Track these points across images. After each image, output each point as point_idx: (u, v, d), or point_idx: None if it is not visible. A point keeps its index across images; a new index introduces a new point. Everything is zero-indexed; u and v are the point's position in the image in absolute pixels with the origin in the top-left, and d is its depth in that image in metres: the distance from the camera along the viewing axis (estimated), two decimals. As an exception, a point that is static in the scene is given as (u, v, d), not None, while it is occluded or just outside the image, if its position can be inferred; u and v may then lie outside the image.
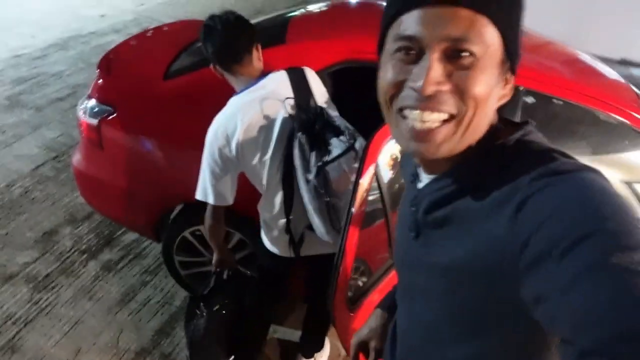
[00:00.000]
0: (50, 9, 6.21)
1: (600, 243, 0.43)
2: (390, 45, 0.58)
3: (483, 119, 0.58)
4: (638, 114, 1.82)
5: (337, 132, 1.37)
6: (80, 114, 2.05)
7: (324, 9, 2.47)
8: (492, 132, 0.61)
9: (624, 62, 6.60)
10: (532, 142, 0.60)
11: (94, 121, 2.01)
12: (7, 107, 3.94)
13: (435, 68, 0.54)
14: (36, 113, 3.87)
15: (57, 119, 3.79)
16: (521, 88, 1.77)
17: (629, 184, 1.91)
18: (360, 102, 1.66)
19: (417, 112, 0.56)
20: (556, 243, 0.46)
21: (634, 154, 1.89)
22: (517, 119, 1.68)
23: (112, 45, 2.40)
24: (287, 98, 1.41)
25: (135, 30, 5.63)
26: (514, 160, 0.57)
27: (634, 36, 6.37)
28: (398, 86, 0.57)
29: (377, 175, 1.22)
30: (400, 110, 0.58)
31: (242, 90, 1.45)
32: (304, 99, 1.46)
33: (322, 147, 1.35)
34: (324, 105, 1.46)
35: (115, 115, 1.98)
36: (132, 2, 6.79)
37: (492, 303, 0.59)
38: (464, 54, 0.54)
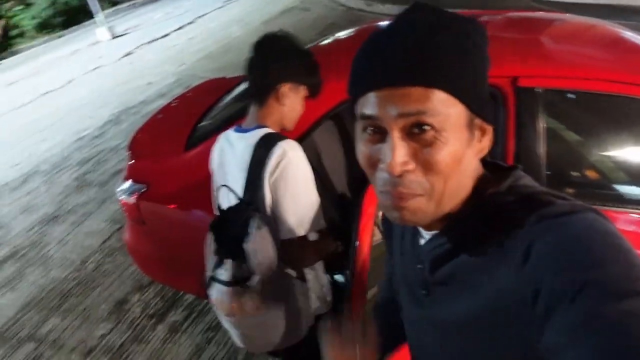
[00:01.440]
0: (104, 89, 6.81)
1: (600, 290, 0.45)
2: (358, 122, 0.61)
3: (458, 185, 0.59)
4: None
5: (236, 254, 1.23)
6: (119, 195, 2.20)
7: (344, 37, 2.47)
8: (482, 183, 0.62)
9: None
10: (524, 186, 0.60)
11: (132, 200, 2.15)
12: (76, 188, 4.33)
13: (399, 148, 0.56)
14: (100, 189, 4.22)
15: (118, 191, 4.10)
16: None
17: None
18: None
19: (390, 187, 0.58)
20: (563, 292, 0.47)
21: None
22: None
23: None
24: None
25: (178, 91, 6.00)
26: (509, 209, 0.57)
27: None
28: (373, 165, 0.60)
29: (378, 226, 1.19)
30: (378, 183, 0.61)
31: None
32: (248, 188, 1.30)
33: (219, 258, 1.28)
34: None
35: (149, 191, 2.11)
36: (172, 64, 7.27)
37: (503, 354, 0.57)
38: (425, 127, 0.55)
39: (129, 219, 2.26)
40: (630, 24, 3.14)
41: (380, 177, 0.59)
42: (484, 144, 0.61)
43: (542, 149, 1.55)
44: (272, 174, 1.24)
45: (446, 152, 0.55)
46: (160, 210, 2.11)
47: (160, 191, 2.09)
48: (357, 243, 1.13)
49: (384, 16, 6.64)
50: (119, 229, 3.61)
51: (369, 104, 0.57)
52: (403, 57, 0.55)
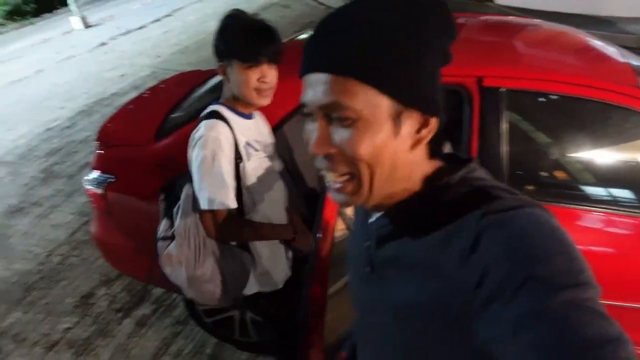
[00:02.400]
0: (76, 79, 6.64)
1: (542, 284, 0.46)
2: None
3: (390, 173, 0.60)
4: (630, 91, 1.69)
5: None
6: (86, 185, 2.16)
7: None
8: (435, 173, 0.63)
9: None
10: (476, 178, 0.61)
11: (100, 190, 2.11)
12: (42, 179, 4.22)
13: (317, 133, 0.58)
14: (68, 181, 4.12)
15: (87, 183, 4.01)
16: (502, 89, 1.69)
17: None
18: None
19: (323, 170, 0.62)
20: (505, 285, 0.47)
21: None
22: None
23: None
24: None
25: (153, 84, 5.91)
26: (458, 199, 0.58)
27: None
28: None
29: (340, 214, 1.21)
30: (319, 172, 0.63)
31: None
32: None
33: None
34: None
35: (117, 181, 2.08)
36: (147, 56, 7.15)
37: (444, 344, 0.58)
38: (341, 116, 0.56)
39: (97, 209, 2.22)
40: (598, 33, 3.26)
41: (314, 157, 0.62)
42: (423, 135, 0.60)
43: (504, 146, 1.61)
44: (191, 147, 1.40)
45: (364, 140, 0.56)
46: (128, 201, 2.08)
47: (128, 182, 2.07)
48: (319, 235, 1.14)
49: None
50: (86, 222, 3.53)
51: (303, 90, 0.60)
52: (328, 43, 0.56)
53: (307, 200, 2.19)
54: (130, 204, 2.09)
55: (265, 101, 1.42)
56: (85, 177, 2.21)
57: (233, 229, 1.46)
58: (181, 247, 1.46)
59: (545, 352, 0.43)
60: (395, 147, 0.59)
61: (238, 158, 1.44)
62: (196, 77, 2.69)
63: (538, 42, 2.13)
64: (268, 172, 1.57)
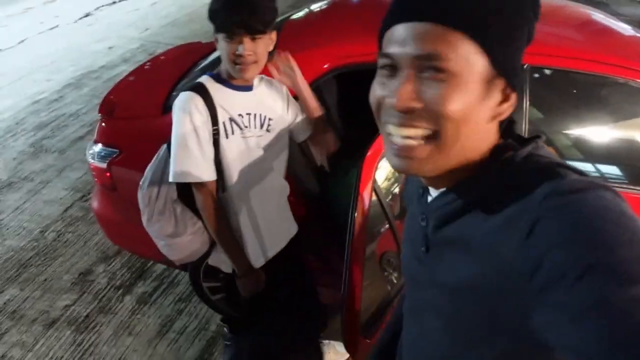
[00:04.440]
0: (61, 51, 6.39)
1: (609, 274, 0.43)
2: (379, 60, 0.60)
3: (470, 138, 0.57)
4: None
5: None
6: (90, 158, 2.09)
7: (317, 10, 2.42)
8: (499, 148, 0.60)
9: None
10: (541, 156, 0.58)
11: (103, 164, 2.04)
12: (32, 154, 4.08)
13: (404, 86, 0.55)
14: (60, 156, 4.00)
15: (79, 158, 3.89)
16: (525, 66, 1.67)
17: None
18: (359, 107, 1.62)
19: (396, 127, 0.58)
20: (567, 270, 0.45)
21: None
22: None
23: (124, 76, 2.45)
24: None
25: (143, 57, 5.72)
26: (522, 177, 0.56)
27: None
28: (381, 102, 0.59)
29: (376, 191, 1.18)
30: (385, 125, 0.60)
31: None
32: None
33: None
34: None
35: (122, 156, 2.00)
36: (136, 29, 6.91)
37: (498, 324, 0.57)
38: (438, 69, 0.54)
39: (99, 184, 2.15)
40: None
41: (386, 115, 0.58)
42: (503, 108, 0.59)
43: (526, 124, 1.59)
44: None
45: (455, 98, 0.54)
46: (133, 175, 2.01)
47: (134, 156, 2.00)
48: (356, 215, 1.12)
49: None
50: (81, 198, 3.45)
51: (390, 40, 0.57)
52: None
53: (318, 177, 2.16)
54: (135, 179, 2.02)
55: (248, 75, 1.38)
56: (88, 150, 2.13)
57: (208, 210, 1.46)
58: (142, 200, 1.64)
59: (609, 345, 0.41)
60: (480, 113, 0.57)
61: (215, 133, 1.40)
62: (199, 49, 2.59)
63: (547, 17, 2.10)
64: (261, 150, 1.50)
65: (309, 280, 1.90)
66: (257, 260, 1.63)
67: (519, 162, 0.58)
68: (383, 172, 1.36)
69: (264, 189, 1.55)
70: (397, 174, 1.46)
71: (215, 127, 1.39)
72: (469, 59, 0.53)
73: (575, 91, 1.85)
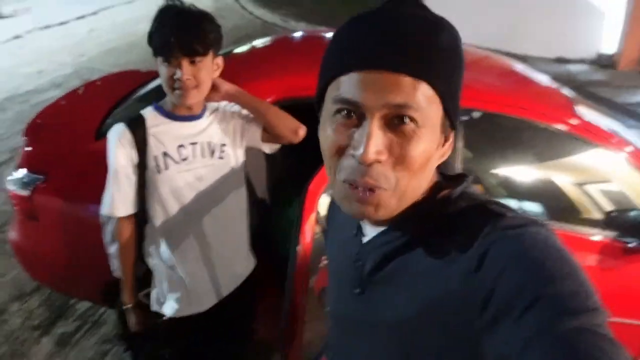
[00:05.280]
0: (-17, 72, 5.98)
1: (555, 306, 0.45)
2: (330, 106, 0.58)
3: (420, 182, 0.59)
4: (571, 118, 1.86)
5: None
6: (10, 186, 1.93)
7: (262, 45, 2.45)
8: (437, 187, 0.62)
9: (560, 60, 6.93)
10: (475, 194, 0.61)
11: (26, 192, 1.89)
12: (-58, 181, 3.70)
13: (375, 136, 0.53)
14: (-26, 183, 3.65)
15: (-3, 186, 3.58)
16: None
17: (580, 185, 1.95)
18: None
19: (360, 178, 0.56)
20: (512, 304, 0.47)
21: (578, 156, 1.93)
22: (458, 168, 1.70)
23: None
24: None
25: (76, 83, 5.45)
26: (462, 214, 0.58)
27: (567, 34, 6.73)
28: (340, 152, 0.57)
29: (320, 223, 1.18)
30: (342, 172, 0.57)
31: None
32: None
33: None
34: None
35: (47, 182, 1.87)
36: (70, 54, 6.64)
37: (444, 356, 0.56)
38: (405, 120, 0.53)
39: (19, 213, 1.98)
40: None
41: (346, 165, 0.56)
42: (446, 149, 0.61)
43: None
44: None
45: (421, 149, 0.55)
46: (60, 205, 1.88)
47: (61, 183, 1.87)
48: (299, 247, 1.10)
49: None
50: (-4, 229, 3.15)
51: (350, 87, 0.54)
52: (399, 41, 0.54)
53: (259, 210, 2.13)
54: (62, 208, 1.89)
55: (188, 101, 1.31)
56: (8, 177, 1.96)
57: (119, 239, 1.43)
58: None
59: None
60: (434, 159, 0.59)
61: (142, 168, 1.35)
62: (138, 77, 2.53)
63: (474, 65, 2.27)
64: (209, 181, 1.43)
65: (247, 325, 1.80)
66: (208, 298, 1.52)
67: (456, 200, 0.60)
68: (326, 204, 1.36)
69: (213, 221, 1.46)
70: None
71: (142, 163, 1.34)
72: (432, 109, 0.55)
73: (500, 133, 1.99)
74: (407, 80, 0.53)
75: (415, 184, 0.58)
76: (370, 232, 0.66)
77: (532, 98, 1.98)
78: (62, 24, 8.37)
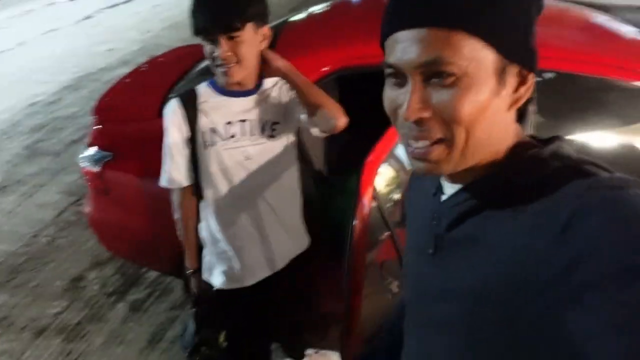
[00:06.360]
0: (61, 53, 6.37)
1: None
2: (385, 69, 0.59)
3: (486, 136, 0.55)
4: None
5: None
6: (82, 162, 2.03)
7: (318, 12, 2.37)
8: (522, 145, 0.58)
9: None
10: (569, 154, 0.55)
11: (97, 168, 1.98)
12: (26, 157, 4.02)
13: (413, 97, 0.54)
14: (54, 159, 3.94)
15: (74, 161, 3.81)
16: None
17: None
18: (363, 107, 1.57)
19: (411, 138, 0.57)
20: (610, 272, 0.42)
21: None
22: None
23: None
24: None
25: (143, 60, 5.66)
26: (552, 174, 0.53)
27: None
28: (394, 112, 0.58)
29: (376, 197, 1.12)
30: (401, 132, 0.59)
31: None
32: None
33: None
34: None
35: (116, 159, 1.95)
36: (137, 31, 6.90)
37: (523, 333, 0.51)
38: (443, 75, 0.52)
39: (92, 188, 2.09)
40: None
41: (401, 125, 0.58)
42: (521, 93, 0.56)
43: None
44: None
45: (467, 100, 0.52)
46: (128, 180, 1.96)
47: (128, 159, 1.94)
48: (355, 223, 1.06)
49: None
50: (75, 202, 3.38)
51: (391, 50, 0.56)
52: None
53: (315, 182, 2.10)
54: (129, 183, 1.97)
55: (233, 78, 1.27)
56: (81, 154, 2.07)
57: (177, 211, 1.49)
58: None
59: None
60: (496, 107, 0.55)
61: (192, 142, 1.35)
62: (200, 51, 2.54)
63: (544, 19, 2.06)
64: (258, 159, 1.40)
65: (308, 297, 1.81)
66: (261, 271, 1.54)
67: (546, 159, 0.55)
68: (383, 179, 1.30)
69: (263, 200, 1.45)
70: (397, 181, 1.41)
71: (192, 137, 1.35)
72: (475, 56, 0.52)
73: (577, 95, 1.80)
74: (437, 33, 0.51)
75: (479, 136, 0.54)
76: (449, 189, 0.64)
77: (615, 54, 1.76)
78: (128, 1, 8.69)
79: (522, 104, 0.58)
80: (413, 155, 0.58)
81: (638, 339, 0.39)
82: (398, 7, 0.55)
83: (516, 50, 0.54)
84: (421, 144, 0.56)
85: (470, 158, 0.56)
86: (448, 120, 0.53)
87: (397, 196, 1.45)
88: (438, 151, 0.55)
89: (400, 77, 0.56)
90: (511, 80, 0.55)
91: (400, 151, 1.37)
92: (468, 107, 0.52)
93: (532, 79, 0.57)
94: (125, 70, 5.29)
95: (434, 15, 0.51)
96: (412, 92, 0.53)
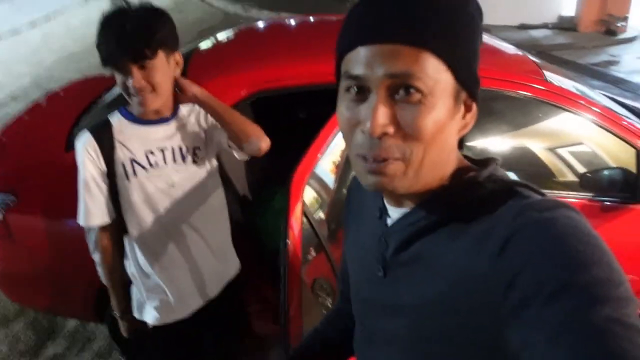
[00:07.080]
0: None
1: (584, 293, 0.44)
2: (342, 82, 0.59)
3: (438, 157, 0.57)
4: (539, 84, 1.89)
5: None
6: (-20, 209, 1.85)
7: (229, 37, 2.40)
8: (462, 169, 0.61)
9: (523, 27, 7.04)
10: (502, 177, 0.60)
11: (-2, 214, 1.82)
12: None
13: (380, 109, 0.53)
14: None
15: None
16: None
17: (552, 150, 1.99)
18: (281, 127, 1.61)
19: (370, 151, 0.56)
20: (541, 287, 0.45)
21: (550, 121, 1.96)
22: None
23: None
24: None
25: (36, 94, 5.25)
26: (488, 196, 0.57)
27: (528, 1, 6.81)
28: (351, 128, 0.58)
29: (305, 213, 1.17)
30: (356, 147, 0.58)
31: None
32: None
33: None
34: None
35: (19, 201, 1.80)
36: (27, 64, 6.39)
37: (468, 347, 0.55)
38: (411, 90, 0.53)
39: (-7, 236, 1.91)
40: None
41: (357, 140, 0.57)
42: (468, 120, 0.60)
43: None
44: None
45: (430, 118, 0.54)
46: (35, 222, 1.82)
47: (34, 200, 1.81)
48: (288, 242, 1.09)
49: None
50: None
51: (355, 62, 0.55)
52: (399, 12, 0.53)
53: (241, 206, 2.11)
54: (37, 226, 1.83)
55: (149, 107, 1.24)
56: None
57: (98, 250, 1.41)
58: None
59: None
60: (450, 130, 0.57)
61: (111, 175, 1.31)
62: (103, 82, 2.44)
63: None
64: (183, 187, 1.38)
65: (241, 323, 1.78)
66: (194, 301, 1.50)
67: (483, 182, 0.59)
68: (310, 195, 1.35)
69: (190, 227, 1.43)
70: (320, 201, 1.46)
71: (110, 170, 1.30)
72: (439, 78, 0.54)
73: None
74: (407, 50, 0.53)
75: (434, 156, 0.56)
76: (394, 213, 0.66)
77: (500, 67, 2.00)
78: (13, 32, 8.04)
79: (467, 131, 0.61)
80: (368, 170, 0.57)
81: (570, 353, 0.42)
82: (368, 21, 0.55)
83: (469, 77, 0.57)
84: (382, 155, 0.56)
85: (422, 178, 0.58)
86: (410, 136, 0.54)
87: (322, 215, 1.50)
88: (395, 166, 0.56)
89: (363, 92, 0.56)
90: (461, 106, 0.58)
91: (321, 170, 1.43)
92: (431, 125, 0.54)
93: (475, 108, 0.60)
94: (16, 106, 4.90)
95: (407, 33, 0.53)
96: (377, 106, 0.53)
